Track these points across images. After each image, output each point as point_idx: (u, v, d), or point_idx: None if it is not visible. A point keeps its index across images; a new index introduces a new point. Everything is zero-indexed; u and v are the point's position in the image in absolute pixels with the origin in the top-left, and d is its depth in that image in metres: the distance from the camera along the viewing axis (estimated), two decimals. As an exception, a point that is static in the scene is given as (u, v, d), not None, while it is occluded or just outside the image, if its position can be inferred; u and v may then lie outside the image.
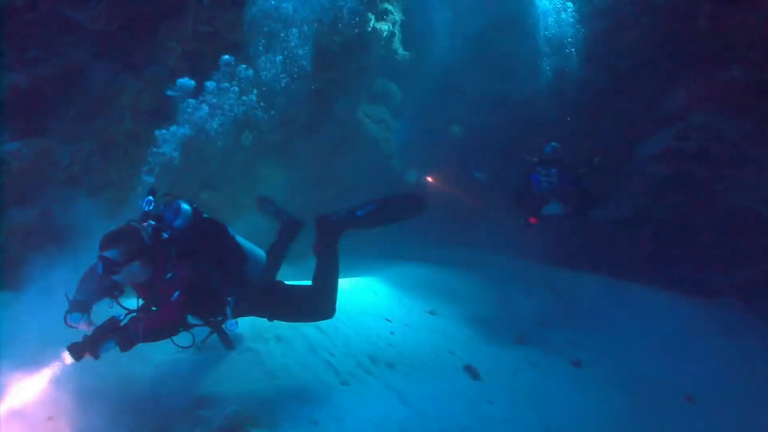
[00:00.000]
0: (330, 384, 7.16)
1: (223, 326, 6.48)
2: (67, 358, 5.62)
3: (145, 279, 6.22)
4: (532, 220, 11.56)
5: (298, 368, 7.31)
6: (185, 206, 6.37)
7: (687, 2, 11.73)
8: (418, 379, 7.60)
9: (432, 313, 10.08)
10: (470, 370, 8.01)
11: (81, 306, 6.14)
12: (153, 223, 6.22)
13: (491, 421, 6.86)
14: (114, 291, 6.12)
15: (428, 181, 14.80)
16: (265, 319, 7.14)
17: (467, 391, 7.52)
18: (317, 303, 7.12)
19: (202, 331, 6.53)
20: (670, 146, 12.20)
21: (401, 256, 13.36)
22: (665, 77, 12.56)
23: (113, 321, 5.88)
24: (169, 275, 6.11)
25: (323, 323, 8.05)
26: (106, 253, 5.89)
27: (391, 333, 8.81)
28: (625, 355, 9.34)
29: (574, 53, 13.67)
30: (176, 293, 6.04)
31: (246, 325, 7.21)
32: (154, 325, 5.93)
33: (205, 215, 6.61)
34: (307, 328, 8.06)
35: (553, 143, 11.66)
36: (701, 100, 11.98)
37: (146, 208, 6.28)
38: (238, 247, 6.83)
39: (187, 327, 6.28)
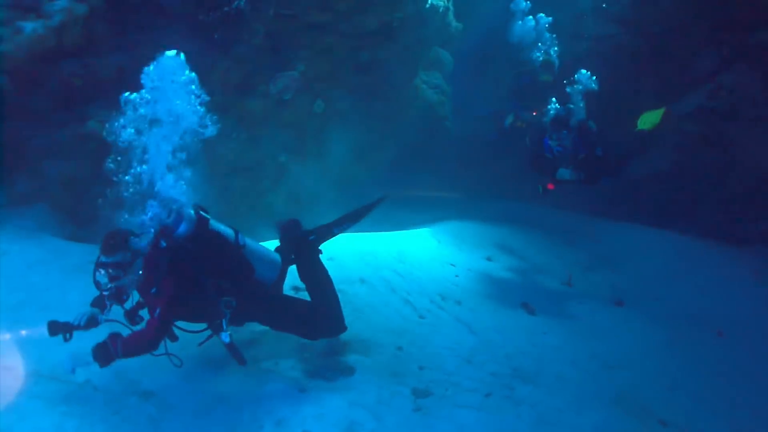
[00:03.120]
0: (409, 317, 8.20)
1: (219, 336, 6.31)
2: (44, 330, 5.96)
3: (138, 284, 6.18)
4: (550, 186, 11.27)
5: (382, 305, 8.34)
6: (190, 213, 6.25)
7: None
8: (483, 313, 8.62)
9: (489, 259, 11.07)
10: (527, 307, 9.00)
11: (100, 302, 6.31)
12: (153, 229, 6.15)
13: (546, 347, 7.85)
14: (122, 296, 6.16)
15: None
16: (354, 265, 7.69)
17: (525, 324, 8.52)
18: (320, 319, 6.91)
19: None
20: (703, 105, 12.61)
21: (452, 209, 14.05)
22: (697, 41, 12.89)
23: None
24: (153, 290, 6.07)
25: (401, 268, 9.09)
26: (110, 258, 5.95)
27: (456, 276, 9.88)
28: (662, 296, 10.04)
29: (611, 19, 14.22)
30: (157, 310, 6.01)
31: (334, 269, 7.52)
32: (130, 346, 5.94)
33: (211, 224, 6.46)
34: (386, 272, 9.15)
35: (569, 105, 11.26)
36: (731, 62, 12.35)
37: (149, 214, 6.16)
38: (242, 257, 6.60)
39: (174, 338, 6.26)
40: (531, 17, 13.68)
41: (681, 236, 12.27)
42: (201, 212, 6.42)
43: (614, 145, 11.21)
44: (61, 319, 6.09)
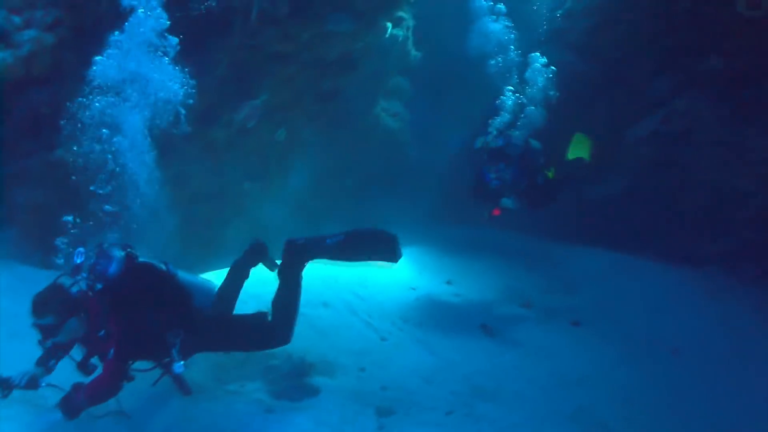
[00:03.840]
0: (371, 339, 8.44)
1: (171, 368, 6.25)
2: None
3: (83, 334, 6.17)
4: (495, 212, 11.23)
5: (344, 328, 8.58)
6: (118, 252, 6.31)
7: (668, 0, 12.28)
8: (443, 335, 8.84)
9: (449, 283, 11.23)
10: (485, 328, 9.19)
11: (44, 362, 6.25)
12: (86, 275, 6.22)
13: (504, 367, 8.07)
14: (58, 353, 6.20)
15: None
16: (316, 289, 7.84)
17: (484, 345, 8.74)
18: (274, 332, 6.87)
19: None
20: (657, 129, 12.69)
21: (413, 235, 13.78)
22: (651, 67, 13.05)
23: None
24: (101, 332, 6.07)
25: (362, 292, 9.27)
26: (40, 321, 5.95)
27: (417, 299, 10.10)
28: (618, 316, 10.13)
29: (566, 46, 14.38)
30: (111, 351, 6.01)
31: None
32: (94, 392, 5.99)
33: (140, 260, 6.50)
34: (348, 296, 9.32)
35: (511, 132, 11.28)
36: (684, 87, 12.45)
37: (78, 260, 6.23)
38: (179, 286, 6.67)
39: (130, 378, 6.23)
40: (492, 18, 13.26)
41: (636, 258, 12.42)
42: (129, 249, 6.50)
43: (559, 167, 11.58)
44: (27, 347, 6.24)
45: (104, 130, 7.69)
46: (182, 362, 6.26)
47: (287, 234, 10.43)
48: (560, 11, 14.78)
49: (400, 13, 13.71)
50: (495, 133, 11.24)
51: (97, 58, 8.18)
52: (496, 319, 9.66)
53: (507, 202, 11.07)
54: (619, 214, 13.39)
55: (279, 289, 7.05)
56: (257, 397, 6.88)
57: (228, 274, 7.45)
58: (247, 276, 7.48)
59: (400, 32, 13.88)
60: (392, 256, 7.23)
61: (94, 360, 6.28)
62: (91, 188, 8.20)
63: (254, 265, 7.49)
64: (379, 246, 7.23)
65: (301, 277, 7.14)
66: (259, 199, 12.14)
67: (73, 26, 10.18)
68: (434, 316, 9.54)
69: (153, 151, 8.97)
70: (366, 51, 12.68)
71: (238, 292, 7.41)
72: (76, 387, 6.03)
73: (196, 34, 9.96)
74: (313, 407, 6.72)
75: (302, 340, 7.76)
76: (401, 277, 11.10)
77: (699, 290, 10.93)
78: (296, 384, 7.07)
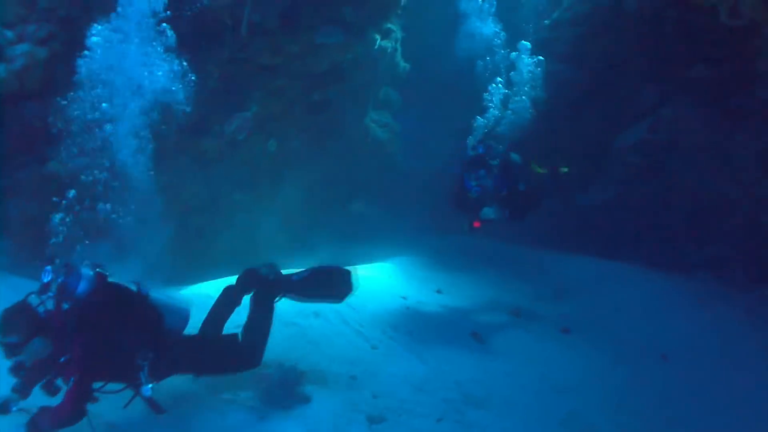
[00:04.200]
0: (362, 348, 8.44)
1: (140, 391, 6.16)
2: None
3: (48, 354, 6.00)
4: (476, 224, 10.93)
5: (335, 337, 8.59)
6: (87, 271, 6.18)
7: (655, 9, 12.45)
8: (433, 343, 8.84)
9: (439, 291, 11.30)
10: (476, 336, 9.21)
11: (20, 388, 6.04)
12: (52, 294, 6.06)
13: (495, 374, 8.11)
14: (20, 371, 5.99)
15: None
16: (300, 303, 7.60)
17: (474, 352, 8.76)
18: (243, 357, 6.94)
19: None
20: (644, 137, 12.90)
21: (402, 244, 14.10)
22: (638, 76, 13.27)
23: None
24: (63, 358, 5.97)
25: (353, 301, 9.29)
26: (4, 339, 5.83)
27: (407, 308, 10.13)
28: (608, 323, 10.17)
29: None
30: (72, 379, 5.92)
31: (287, 303, 7.55)
32: (58, 417, 5.87)
33: (109, 279, 6.35)
34: (339, 305, 9.36)
35: (489, 142, 11.12)
36: (671, 96, 12.72)
37: (45, 279, 6.06)
38: (150, 307, 6.53)
39: (94, 399, 6.10)
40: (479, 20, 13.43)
41: (626, 265, 12.46)
42: (98, 269, 6.36)
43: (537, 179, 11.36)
44: None
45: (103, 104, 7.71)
46: (150, 385, 6.19)
47: (277, 245, 10.51)
48: (547, 21, 14.85)
49: (389, 25, 13.81)
50: (480, 138, 11.23)
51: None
52: (486, 327, 9.69)
53: (488, 212, 10.85)
54: (609, 221, 13.52)
55: (250, 315, 7.15)
56: (250, 405, 6.92)
57: (219, 297, 7.40)
58: (239, 303, 7.39)
59: (388, 44, 13.94)
60: (337, 298, 7.57)
61: (60, 381, 6.15)
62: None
63: (248, 292, 7.39)
64: (332, 286, 7.52)
65: (274, 306, 7.26)
66: (250, 209, 12.16)
67: (65, 40, 10.25)
68: (425, 325, 9.56)
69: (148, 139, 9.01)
70: (355, 63, 12.76)
71: (227, 317, 7.31)
72: (43, 411, 5.95)
73: (186, 47, 10.03)
74: (305, 415, 6.76)
75: (294, 349, 7.95)
76: (391, 286, 11.14)
77: (688, 296, 11.00)
78: (288, 392, 7.08)
